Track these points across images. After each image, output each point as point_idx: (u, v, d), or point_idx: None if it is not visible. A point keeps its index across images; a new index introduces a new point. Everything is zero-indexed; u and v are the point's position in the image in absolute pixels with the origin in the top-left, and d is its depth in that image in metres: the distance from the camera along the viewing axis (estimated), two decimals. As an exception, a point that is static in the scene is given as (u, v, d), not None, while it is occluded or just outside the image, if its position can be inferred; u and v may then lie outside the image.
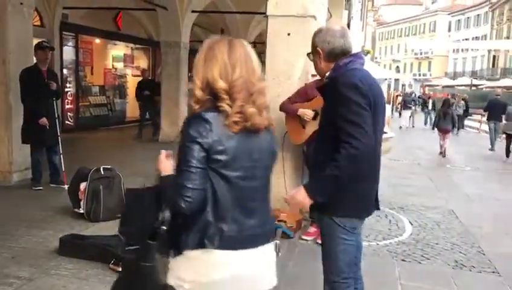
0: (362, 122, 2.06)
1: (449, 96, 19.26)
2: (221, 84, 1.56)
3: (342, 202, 2.21)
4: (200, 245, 1.57)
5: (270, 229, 1.80)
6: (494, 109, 13.50)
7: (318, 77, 2.98)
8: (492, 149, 13.41)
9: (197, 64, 1.64)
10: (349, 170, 2.06)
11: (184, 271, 1.62)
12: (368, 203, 2.35)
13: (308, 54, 2.49)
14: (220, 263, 1.59)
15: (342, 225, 2.26)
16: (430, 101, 22.86)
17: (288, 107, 4.50)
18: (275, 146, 1.77)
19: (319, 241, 4.52)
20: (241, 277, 1.64)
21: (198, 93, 1.59)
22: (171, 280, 1.65)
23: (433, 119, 15.32)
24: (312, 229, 4.53)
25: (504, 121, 12.22)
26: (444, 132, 11.80)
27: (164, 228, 1.62)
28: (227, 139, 1.55)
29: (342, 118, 2.08)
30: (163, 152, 1.72)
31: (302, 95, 4.45)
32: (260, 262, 1.70)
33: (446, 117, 11.89)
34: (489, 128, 13.71)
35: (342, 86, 2.13)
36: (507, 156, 11.54)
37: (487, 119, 13.99)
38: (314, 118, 4.20)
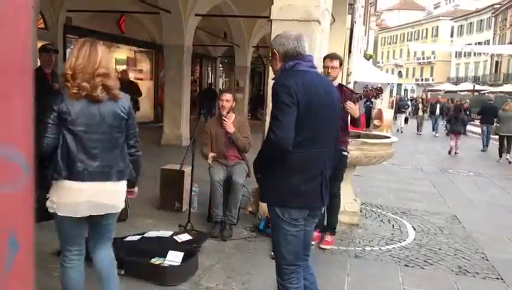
0: (281, 116, 2.25)
1: (448, 101, 19.29)
2: (67, 72, 2.39)
3: (276, 193, 2.41)
4: (54, 177, 2.36)
5: (116, 171, 2.47)
6: (487, 113, 14.31)
7: None
8: (483, 150, 14.49)
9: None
10: (267, 159, 2.40)
11: (52, 196, 2.41)
12: (306, 196, 2.40)
13: (267, 59, 2.59)
14: (73, 189, 2.38)
15: (281, 215, 2.40)
16: (438, 106, 21.69)
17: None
18: (121, 112, 2.47)
19: (323, 246, 4.53)
20: (92, 201, 2.41)
21: (61, 79, 2.48)
22: (47, 203, 2.43)
23: (444, 124, 16.62)
24: (314, 234, 4.51)
25: (495, 124, 13.41)
26: (456, 134, 13.21)
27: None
28: (72, 105, 2.36)
29: (271, 113, 2.32)
30: None
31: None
32: (106, 192, 2.45)
33: (457, 121, 13.44)
34: (482, 131, 14.78)
35: (275, 85, 2.35)
36: (500, 155, 12.55)
37: (480, 123, 14.85)
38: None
